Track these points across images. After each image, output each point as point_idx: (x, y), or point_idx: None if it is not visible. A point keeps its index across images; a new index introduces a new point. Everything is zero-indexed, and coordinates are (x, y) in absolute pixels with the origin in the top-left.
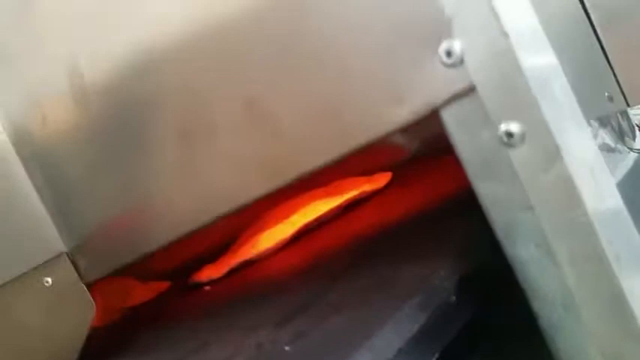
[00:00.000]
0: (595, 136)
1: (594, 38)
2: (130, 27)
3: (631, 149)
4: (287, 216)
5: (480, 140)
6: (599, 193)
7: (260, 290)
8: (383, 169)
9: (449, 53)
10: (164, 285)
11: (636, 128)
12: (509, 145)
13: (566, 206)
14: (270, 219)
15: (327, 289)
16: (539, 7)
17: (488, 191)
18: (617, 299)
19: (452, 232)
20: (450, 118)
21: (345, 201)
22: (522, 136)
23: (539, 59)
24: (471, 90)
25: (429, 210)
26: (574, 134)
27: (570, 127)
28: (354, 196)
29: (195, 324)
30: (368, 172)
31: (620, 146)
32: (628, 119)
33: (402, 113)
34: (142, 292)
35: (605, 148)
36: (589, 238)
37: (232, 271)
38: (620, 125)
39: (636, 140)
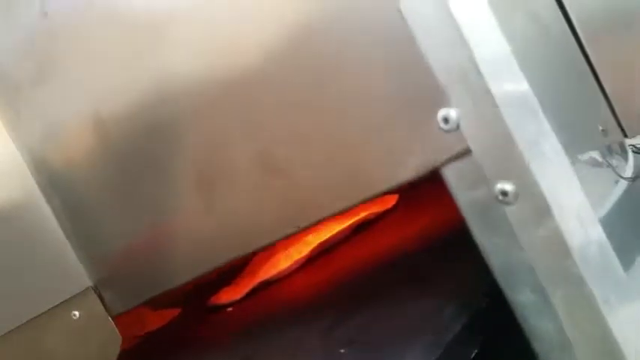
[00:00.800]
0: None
1: (584, 62)
2: (151, 70)
3: (621, 177)
4: (301, 237)
5: (477, 197)
6: (587, 242)
7: (288, 310)
8: (389, 192)
9: (446, 120)
10: (176, 311)
11: (629, 149)
12: (505, 203)
13: (557, 257)
14: (284, 240)
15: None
16: (522, 45)
17: (487, 242)
18: (607, 340)
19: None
20: (450, 176)
21: (356, 222)
22: (516, 195)
23: (530, 123)
24: (467, 152)
25: (437, 233)
26: (563, 189)
27: (559, 183)
28: (364, 217)
29: (228, 343)
30: None
31: (607, 160)
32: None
33: (406, 172)
34: (154, 319)
35: (592, 163)
36: (579, 285)
37: (250, 293)
38: None
39: (628, 164)
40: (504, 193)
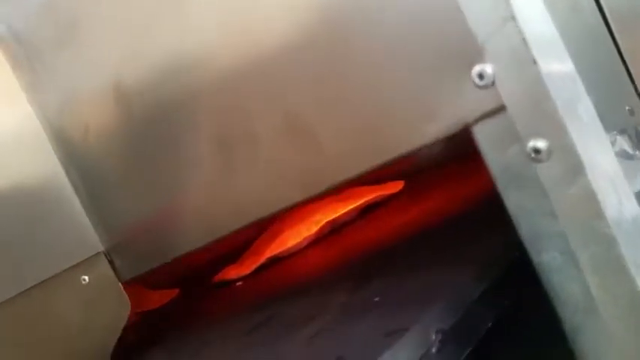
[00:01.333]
0: (613, 144)
1: (614, 49)
2: (174, 36)
3: None
4: (309, 216)
5: (508, 155)
6: (619, 204)
7: (305, 280)
8: (394, 178)
9: (481, 76)
10: (174, 292)
11: None
12: (537, 161)
13: (589, 217)
14: (292, 220)
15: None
16: (560, 24)
17: (516, 203)
18: (636, 304)
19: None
20: (480, 135)
21: (363, 203)
22: (549, 153)
23: (566, 82)
24: (501, 109)
25: (446, 214)
26: (596, 150)
27: (593, 144)
28: (371, 199)
29: (247, 309)
30: (380, 180)
31: (638, 153)
32: None
33: (436, 129)
34: (154, 298)
35: (624, 155)
36: (610, 247)
37: (259, 269)
38: (637, 132)
39: None
40: (537, 151)
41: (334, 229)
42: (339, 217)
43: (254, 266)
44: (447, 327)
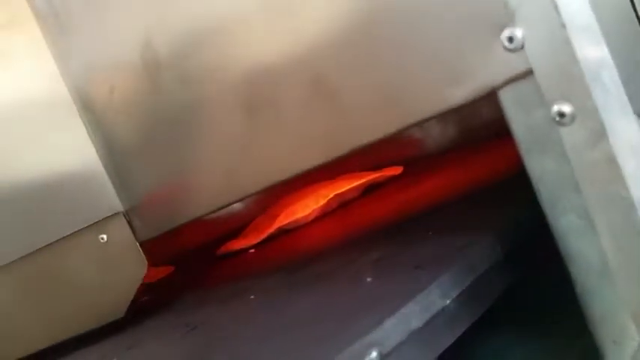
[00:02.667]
0: None
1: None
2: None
3: None
4: (316, 190)
5: (533, 119)
6: (638, 169)
7: (320, 247)
8: (394, 164)
9: (511, 39)
10: (169, 268)
11: None
12: (561, 124)
13: (609, 181)
14: (300, 195)
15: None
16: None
17: (538, 166)
18: None
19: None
20: (507, 99)
21: (367, 181)
22: (573, 117)
23: (593, 49)
24: (528, 73)
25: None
26: (619, 118)
27: (616, 112)
28: (375, 177)
29: (265, 271)
30: (380, 166)
31: None
32: None
33: (463, 92)
34: (149, 273)
35: None
36: (628, 211)
37: (267, 240)
38: None
39: None
40: (562, 114)
41: (340, 205)
42: (344, 192)
43: (263, 236)
44: (462, 288)
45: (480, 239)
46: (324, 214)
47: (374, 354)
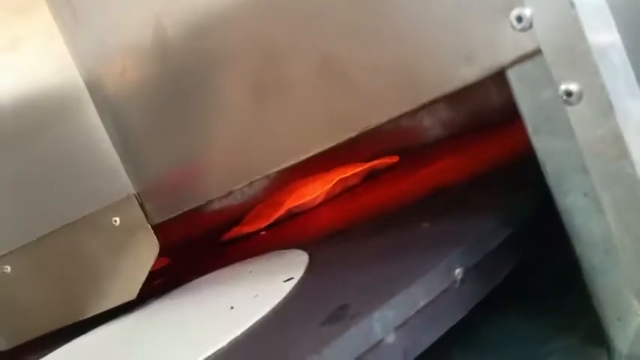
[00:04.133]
0: None
1: None
2: None
3: None
4: (322, 177)
5: (541, 98)
6: None
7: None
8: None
9: (519, 18)
10: (164, 260)
11: None
12: (568, 103)
13: (615, 158)
14: (302, 183)
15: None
16: None
17: (545, 144)
18: None
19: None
20: (515, 78)
21: (369, 166)
22: (580, 95)
23: (602, 29)
24: (536, 52)
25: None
26: (626, 97)
27: (623, 91)
28: (376, 164)
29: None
30: (375, 157)
31: None
32: None
33: (472, 71)
34: None
35: None
36: (633, 187)
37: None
38: None
39: None
40: (569, 93)
41: (344, 190)
42: (348, 177)
43: (274, 218)
44: (469, 265)
45: (490, 217)
46: (329, 198)
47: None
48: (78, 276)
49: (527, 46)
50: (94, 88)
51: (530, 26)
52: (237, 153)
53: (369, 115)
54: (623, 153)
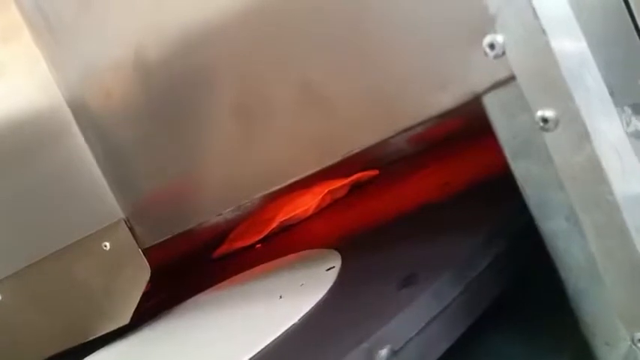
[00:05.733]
0: (628, 124)
1: (630, 22)
2: (193, 4)
3: None
4: (311, 190)
5: (518, 124)
6: (622, 172)
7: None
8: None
9: (492, 46)
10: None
11: None
12: (545, 129)
13: (594, 184)
14: (291, 198)
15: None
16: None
17: (523, 170)
18: (637, 269)
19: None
20: (491, 104)
21: (353, 179)
22: (556, 122)
23: (574, 52)
24: (511, 79)
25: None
26: (603, 120)
27: (600, 114)
28: (359, 176)
29: None
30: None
31: None
32: None
33: (447, 99)
34: None
35: (638, 136)
36: (613, 213)
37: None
38: None
39: None
40: (545, 120)
41: (332, 202)
42: (336, 189)
43: (266, 232)
44: (454, 295)
45: (474, 238)
46: (319, 210)
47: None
48: (70, 302)
49: (501, 73)
50: (79, 112)
51: (503, 53)
52: (225, 176)
53: (351, 141)
54: (602, 178)
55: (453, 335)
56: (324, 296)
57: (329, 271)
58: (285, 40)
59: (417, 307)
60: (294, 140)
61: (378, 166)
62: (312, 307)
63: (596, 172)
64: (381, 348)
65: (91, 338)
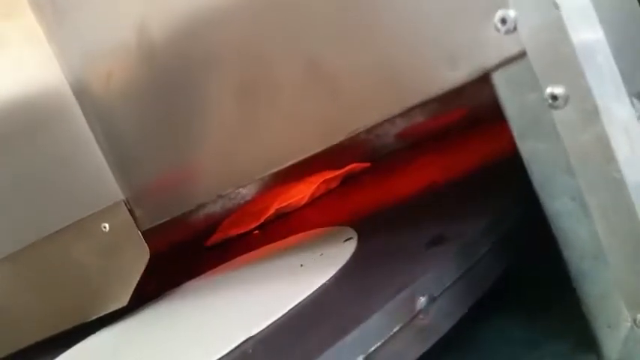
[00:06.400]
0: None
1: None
2: None
3: None
4: (306, 179)
5: (526, 101)
6: (631, 150)
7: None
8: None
9: (503, 20)
10: None
11: None
12: (554, 107)
13: (601, 162)
14: (287, 188)
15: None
16: None
17: (530, 148)
18: None
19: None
20: (500, 81)
21: (346, 171)
22: (566, 99)
23: (587, 30)
24: (521, 55)
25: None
26: (612, 99)
27: (610, 93)
28: (351, 168)
29: None
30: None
31: None
32: None
33: (456, 75)
34: None
35: None
36: (619, 191)
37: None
38: None
39: None
40: (554, 97)
41: (326, 192)
42: (330, 179)
43: (263, 219)
44: (456, 276)
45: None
46: (313, 199)
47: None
48: (68, 283)
49: (512, 49)
50: (81, 92)
51: (515, 28)
52: (227, 157)
53: (356, 119)
54: (610, 157)
55: (483, 288)
56: (348, 260)
57: (347, 242)
58: (290, 15)
59: (448, 261)
60: (298, 120)
61: (370, 159)
62: (340, 268)
63: (604, 150)
64: (421, 295)
65: (89, 320)
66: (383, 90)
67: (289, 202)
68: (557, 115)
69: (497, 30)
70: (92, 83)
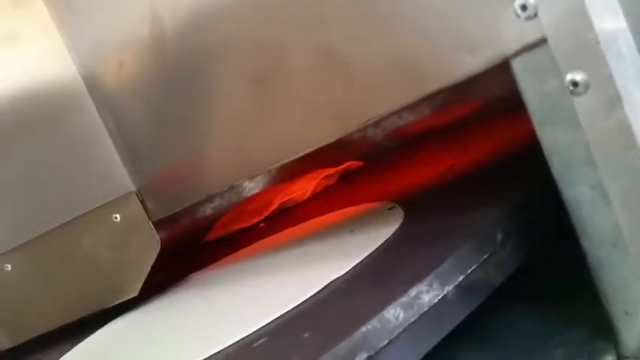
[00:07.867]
0: None
1: None
2: None
3: None
4: (307, 175)
5: (546, 88)
6: None
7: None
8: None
9: (524, 7)
10: None
11: None
12: (574, 94)
13: (623, 149)
14: (289, 184)
15: None
16: None
17: (550, 136)
18: None
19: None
20: (519, 68)
21: (344, 167)
22: (586, 85)
23: (609, 16)
24: (541, 42)
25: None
26: (634, 86)
27: (631, 80)
28: (348, 165)
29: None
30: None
31: None
32: None
33: (475, 62)
34: None
35: None
36: None
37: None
38: None
39: None
40: (575, 84)
41: (324, 188)
42: (329, 175)
43: (266, 213)
44: (476, 264)
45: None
46: (315, 195)
47: None
48: (79, 273)
49: (532, 36)
50: (92, 82)
51: (535, 15)
52: (239, 147)
53: (371, 108)
54: (632, 144)
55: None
56: (402, 223)
57: (392, 210)
58: (304, 3)
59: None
60: (313, 109)
61: (366, 158)
62: (398, 228)
63: (625, 137)
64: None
65: (99, 309)
66: (399, 78)
67: (292, 196)
68: (577, 101)
69: (518, 16)
70: (104, 74)
